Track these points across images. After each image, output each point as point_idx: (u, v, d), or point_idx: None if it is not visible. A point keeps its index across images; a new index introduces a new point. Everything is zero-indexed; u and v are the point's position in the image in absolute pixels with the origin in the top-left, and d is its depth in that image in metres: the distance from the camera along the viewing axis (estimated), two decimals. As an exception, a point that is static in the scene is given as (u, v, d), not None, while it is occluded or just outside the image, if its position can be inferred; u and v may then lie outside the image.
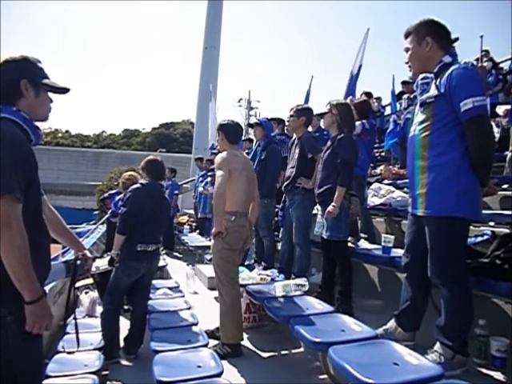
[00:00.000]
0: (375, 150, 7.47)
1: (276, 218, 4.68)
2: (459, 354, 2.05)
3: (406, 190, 4.18)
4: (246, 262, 4.48)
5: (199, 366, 2.16)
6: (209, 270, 4.51)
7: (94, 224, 11.51)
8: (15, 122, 1.44)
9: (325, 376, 2.29)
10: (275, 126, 5.69)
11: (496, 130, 4.84)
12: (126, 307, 3.46)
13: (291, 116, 3.93)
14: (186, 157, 27.98)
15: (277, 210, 4.61)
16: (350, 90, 7.02)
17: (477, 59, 7.85)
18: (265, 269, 4.06)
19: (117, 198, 5.98)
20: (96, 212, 17.49)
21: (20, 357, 1.41)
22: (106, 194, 8.85)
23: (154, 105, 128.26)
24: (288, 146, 4.38)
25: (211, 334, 2.90)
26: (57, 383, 2.28)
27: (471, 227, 2.29)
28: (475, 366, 2.15)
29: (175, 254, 7.56)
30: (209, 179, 7.47)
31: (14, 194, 1.33)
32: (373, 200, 4.37)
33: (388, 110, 9.95)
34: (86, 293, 4.05)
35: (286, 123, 5.05)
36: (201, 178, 8.28)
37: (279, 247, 4.49)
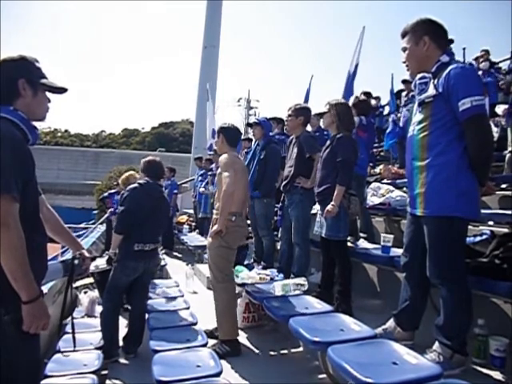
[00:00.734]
0: (374, 150, 7.48)
1: (275, 218, 4.68)
2: (458, 354, 2.05)
3: (405, 189, 4.18)
4: (246, 262, 4.48)
5: (198, 366, 2.16)
6: (208, 270, 4.50)
7: (94, 223, 11.50)
8: (12, 121, 1.44)
9: (324, 375, 2.29)
10: (275, 126, 5.69)
11: (495, 130, 4.85)
12: (125, 306, 3.47)
13: (289, 115, 3.94)
14: (185, 156, 27.92)
15: (276, 209, 4.61)
16: (348, 89, 7.02)
17: (475, 58, 7.88)
18: (264, 268, 4.06)
19: (117, 197, 5.99)
20: (95, 211, 17.47)
21: (18, 356, 1.41)
22: (106, 194, 8.85)
23: (153, 104, 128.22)
24: (287, 145, 4.38)
25: (210, 334, 2.91)
26: (56, 383, 2.27)
27: (470, 227, 2.30)
28: (474, 366, 2.15)
29: (174, 253, 7.56)
30: (208, 179, 7.47)
31: (11, 193, 1.34)
32: (372, 199, 4.37)
33: (387, 110, 9.95)
34: (85, 292, 4.05)
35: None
36: (200, 178, 8.28)
37: (278, 247, 4.49)
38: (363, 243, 3.98)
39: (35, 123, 1.56)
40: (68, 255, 6.17)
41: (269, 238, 4.54)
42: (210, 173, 7.52)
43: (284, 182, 3.97)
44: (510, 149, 4.35)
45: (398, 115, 6.51)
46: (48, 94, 1.60)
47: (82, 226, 12.64)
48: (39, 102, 1.56)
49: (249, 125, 5.60)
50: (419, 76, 2.22)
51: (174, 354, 2.35)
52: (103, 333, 3.03)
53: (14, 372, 1.41)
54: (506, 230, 2.90)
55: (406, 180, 2.56)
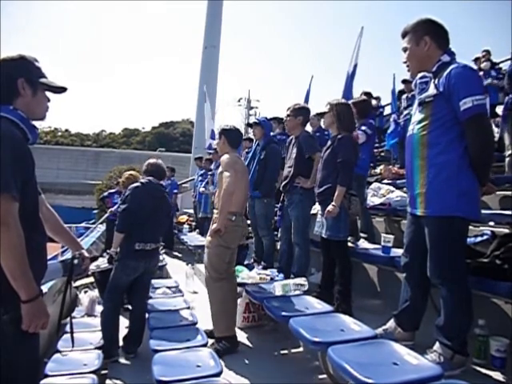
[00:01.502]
0: (375, 150, 7.47)
1: (275, 218, 4.68)
2: (459, 354, 2.05)
3: (405, 189, 4.17)
4: (246, 262, 4.48)
5: (198, 366, 2.16)
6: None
7: (94, 223, 11.50)
8: (12, 120, 1.44)
9: (324, 376, 2.29)
10: (275, 126, 5.69)
11: (496, 130, 4.84)
12: (125, 306, 3.47)
13: (288, 115, 3.94)
14: (185, 156, 27.91)
15: (276, 209, 4.61)
16: (347, 89, 7.02)
17: (476, 59, 7.87)
18: (264, 268, 4.06)
19: (116, 197, 5.98)
20: (95, 211, 17.47)
21: (18, 356, 1.41)
22: (106, 193, 8.85)
23: (153, 104, 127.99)
24: (286, 145, 4.37)
25: (210, 334, 2.90)
26: (56, 383, 2.27)
27: (471, 227, 2.29)
28: (475, 366, 2.14)
29: (175, 253, 7.56)
30: (209, 179, 7.46)
31: (11, 193, 1.34)
32: (372, 200, 4.36)
33: (388, 110, 9.95)
34: (86, 292, 4.05)
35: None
36: (200, 178, 8.27)
37: (278, 247, 4.49)
38: (363, 243, 3.97)
39: (35, 122, 1.56)
40: (68, 255, 6.18)
41: (269, 238, 4.53)
42: (210, 173, 7.52)
43: (284, 182, 3.97)
44: (509, 152, 4.34)
45: (399, 120, 6.51)
46: (48, 94, 1.60)
47: (83, 225, 12.66)
48: (39, 101, 1.56)
49: (249, 125, 5.61)
50: (420, 75, 2.22)
51: (174, 353, 2.35)
52: (103, 332, 3.03)
53: (14, 371, 1.41)
54: (506, 231, 2.90)
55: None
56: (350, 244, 3.69)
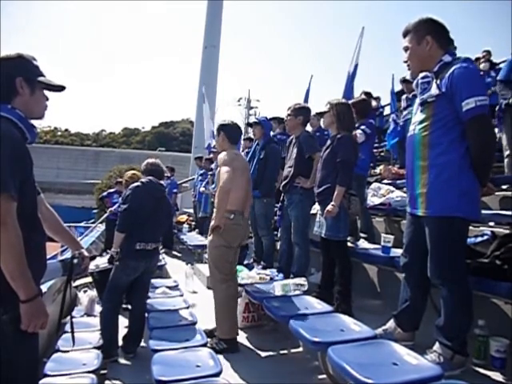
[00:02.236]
0: (375, 150, 7.46)
1: (275, 218, 4.68)
2: (458, 355, 2.05)
3: (405, 189, 4.17)
4: (245, 262, 4.48)
5: (198, 366, 2.15)
6: (208, 270, 4.50)
7: (93, 223, 11.49)
8: (11, 120, 1.44)
9: (324, 376, 2.28)
10: (276, 126, 5.68)
11: (496, 130, 4.83)
12: (125, 306, 3.46)
13: (288, 115, 3.94)
14: (185, 156, 27.89)
15: (276, 209, 4.61)
16: (348, 89, 7.02)
17: (476, 59, 7.86)
18: (264, 268, 4.06)
19: (116, 196, 5.97)
20: (95, 211, 17.47)
21: (17, 356, 1.40)
22: (105, 193, 8.85)
23: (153, 103, 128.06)
24: (286, 145, 4.37)
25: (210, 334, 2.90)
26: (55, 382, 2.26)
27: (471, 227, 2.29)
28: (474, 367, 2.14)
29: (174, 253, 7.55)
30: (209, 178, 7.46)
31: (9, 192, 1.34)
32: (372, 200, 4.36)
33: (387, 110, 9.94)
34: (85, 292, 4.04)
35: (286, 122, 5.04)
36: (200, 177, 8.27)
37: (278, 247, 4.49)
38: (363, 243, 3.97)
39: (33, 121, 1.56)
40: (67, 254, 6.17)
41: (268, 238, 4.53)
42: (210, 172, 7.51)
43: (284, 182, 3.97)
44: (507, 153, 4.34)
45: (399, 121, 6.50)
46: (46, 93, 1.60)
47: (82, 224, 12.65)
48: (37, 100, 1.55)
49: (249, 124, 5.61)
50: (421, 75, 2.21)
51: (174, 353, 2.35)
52: (103, 332, 3.03)
53: (13, 371, 1.40)
54: (506, 231, 2.90)
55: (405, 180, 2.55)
56: (349, 244, 3.68)
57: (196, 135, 18.82)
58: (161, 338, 2.62)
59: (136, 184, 3.29)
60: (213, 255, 2.96)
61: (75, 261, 1.85)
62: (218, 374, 2.05)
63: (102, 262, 3.50)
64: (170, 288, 4.13)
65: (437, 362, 1.99)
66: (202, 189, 7.65)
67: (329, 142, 3.40)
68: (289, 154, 4.03)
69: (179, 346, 2.47)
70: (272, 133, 5.23)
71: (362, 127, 4.18)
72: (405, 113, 6.22)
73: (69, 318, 2.10)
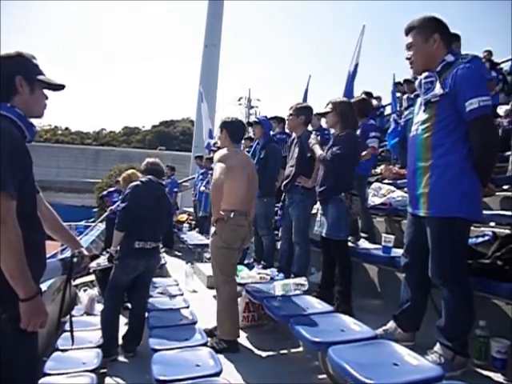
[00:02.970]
0: (375, 150, 7.43)
1: (276, 217, 4.67)
2: (459, 355, 2.04)
3: (406, 189, 4.17)
4: (246, 261, 4.48)
5: (198, 365, 2.14)
6: (208, 269, 4.49)
7: (94, 221, 11.49)
8: (10, 118, 1.43)
9: (324, 376, 2.28)
10: (276, 125, 5.67)
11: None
12: (125, 305, 3.46)
13: (290, 115, 3.92)
14: (185, 155, 27.87)
15: (276, 208, 4.60)
16: (348, 88, 7.01)
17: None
18: (264, 268, 4.06)
19: (116, 195, 5.97)
20: (95, 209, 17.49)
21: (17, 355, 1.40)
22: (105, 192, 8.84)
23: (154, 103, 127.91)
24: (288, 145, 4.37)
25: (210, 333, 2.90)
26: (55, 382, 2.26)
27: (472, 228, 2.28)
28: (475, 367, 2.14)
29: (174, 252, 7.55)
30: (209, 178, 7.46)
31: (9, 191, 1.33)
32: (373, 200, 4.35)
33: (388, 110, 9.93)
34: (85, 291, 4.03)
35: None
36: (200, 177, 8.27)
37: (279, 246, 4.48)
38: (364, 243, 3.97)
39: (33, 120, 1.55)
40: (67, 253, 6.17)
41: (269, 238, 4.53)
42: (210, 172, 7.50)
43: (285, 182, 3.96)
44: None
45: (400, 121, 6.49)
46: (46, 92, 1.59)
47: (83, 223, 12.66)
48: (36, 98, 1.55)
49: (249, 124, 5.60)
50: (424, 75, 2.19)
51: (174, 353, 2.34)
52: (103, 331, 3.02)
53: (13, 370, 1.40)
54: (507, 232, 2.89)
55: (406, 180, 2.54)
56: (350, 244, 3.68)
57: (196, 134, 18.78)
58: (161, 337, 2.61)
59: (135, 183, 3.29)
60: (215, 256, 2.95)
61: (75, 260, 1.85)
62: (218, 374, 2.04)
63: (103, 260, 3.50)
64: (170, 287, 4.12)
65: (437, 362, 1.99)
66: (203, 188, 7.64)
67: (331, 141, 3.39)
68: (291, 153, 4.02)
69: (179, 346, 2.46)
70: (272, 132, 5.22)
71: (373, 134, 4.24)
72: (406, 113, 6.21)
73: (68, 316, 2.10)
